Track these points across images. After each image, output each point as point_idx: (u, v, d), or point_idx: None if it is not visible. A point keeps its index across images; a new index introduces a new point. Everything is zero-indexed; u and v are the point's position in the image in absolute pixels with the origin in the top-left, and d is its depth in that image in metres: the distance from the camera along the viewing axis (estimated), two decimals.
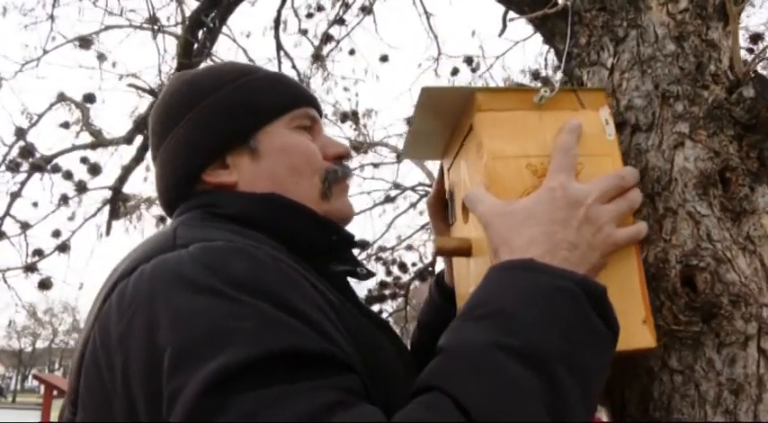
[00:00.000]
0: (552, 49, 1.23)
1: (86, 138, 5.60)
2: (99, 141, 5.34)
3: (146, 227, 6.33)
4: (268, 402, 0.64)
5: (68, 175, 5.65)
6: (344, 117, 6.45)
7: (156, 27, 4.81)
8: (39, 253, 5.74)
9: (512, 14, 1.31)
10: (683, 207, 0.94)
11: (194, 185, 1.04)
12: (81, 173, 5.70)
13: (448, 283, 1.20)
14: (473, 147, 0.96)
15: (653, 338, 0.88)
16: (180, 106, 1.06)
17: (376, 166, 6.76)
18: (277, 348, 0.68)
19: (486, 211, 0.88)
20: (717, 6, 1.05)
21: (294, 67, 5.24)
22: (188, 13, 4.20)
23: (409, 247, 6.92)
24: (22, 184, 5.53)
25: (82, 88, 5.76)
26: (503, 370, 0.68)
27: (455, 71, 6.31)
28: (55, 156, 5.54)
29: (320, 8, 5.66)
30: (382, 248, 6.80)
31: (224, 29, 4.37)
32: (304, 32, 5.52)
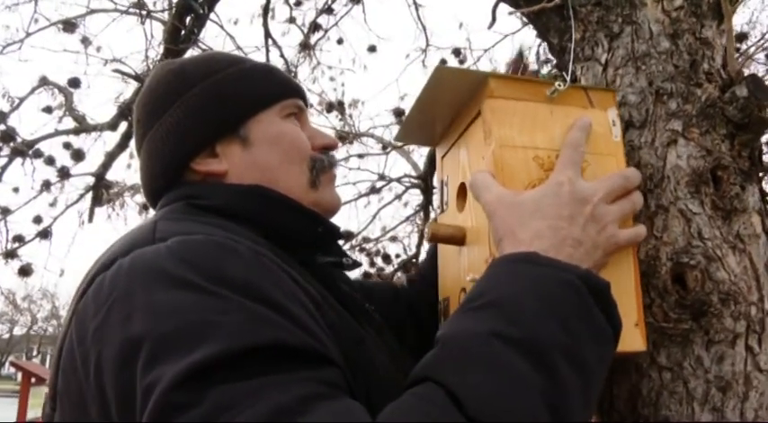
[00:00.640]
0: (546, 44, 1.23)
1: (69, 123, 5.54)
2: (82, 127, 5.28)
3: (129, 214, 6.27)
4: (245, 393, 0.64)
5: (50, 161, 5.59)
6: (330, 107, 6.42)
7: (143, 12, 4.75)
8: (19, 239, 5.68)
9: (506, 8, 1.30)
10: (674, 205, 0.95)
11: (182, 174, 1.03)
12: (64, 159, 5.64)
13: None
14: (479, 133, 0.95)
15: (644, 342, 0.88)
16: (167, 94, 1.04)
17: (361, 156, 6.74)
18: (256, 342, 0.68)
19: (493, 199, 0.87)
20: (711, 5, 1.05)
21: (282, 55, 5.20)
22: None
23: (393, 239, 6.91)
24: (3, 168, 5.46)
25: (66, 72, 5.70)
26: (499, 359, 0.68)
27: (443, 63, 6.30)
28: (37, 141, 5.47)
29: None
30: (366, 239, 6.79)
31: (212, 15, 4.33)
32: (292, 21, 5.48)
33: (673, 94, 1.00)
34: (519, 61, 1.15)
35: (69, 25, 5.41)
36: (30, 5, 5.41)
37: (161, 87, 1.06)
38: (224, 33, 5.02)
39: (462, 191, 1.02)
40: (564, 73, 1.04)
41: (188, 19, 4.03)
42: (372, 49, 6.57)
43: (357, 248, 6.61)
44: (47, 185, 5.60)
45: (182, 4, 3.98)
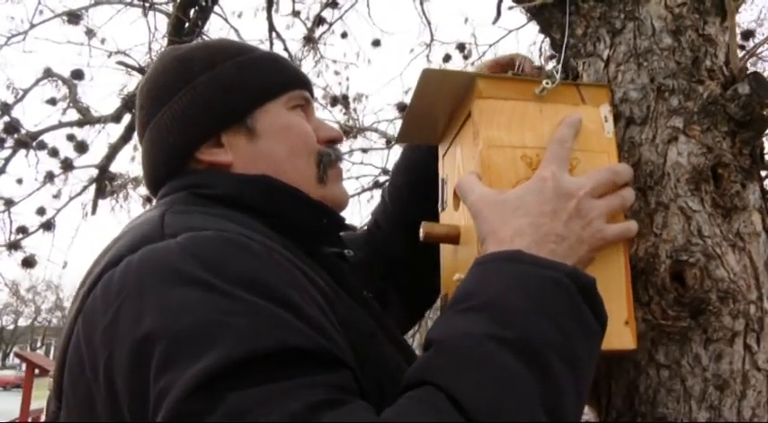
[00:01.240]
0: (548, 39, 1.22)
1: (73, 115, 5.55)
2: (86, 119, 5.29)
3: (132, 206, 6.29)
4: (258, 401, 0.63)
5: (54, 153, 5.60)
6: (334, 101, 6.41)
7: (147, 4, 4.75)
8: (23, 230, 5.70)
9: (509, 3, 1.30)
10: (674, 202, 0.94)
11: (186, 163, 1.01)
12: (67, 150, 5.65)
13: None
14: (470, 133, 0.95)
15: (633, 340, 0.88)
16: (173, 81, 1.02)
17: (365, 151, 6.73)
18: (269, 346, 0.67)
19: (477, 199, 0.87)
20: (715, 1, 1.04)
21: (286, 48, 5.21)
22: None
23: None
24: (7, 160, 5.48)
25: (70, 64, 5.71)
26: (497, 363, 0.68)
27: (447, 58, 6.29)
28: (41, 132, 5.48)
29: None
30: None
31: (216, 8, 4.33)
32: (296, 14, 5.47)
33: (674, 91, 0.99)
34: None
35: (74, 17, 5.41)
36: None
37: (166, 74, 1.04)
38: (228, 26, 5.02)
39: None
40: (554, 70, 1.04)
41: (192, 11, 4.03)
42: (377, 43, 6.58)
43: None
44: (50, 177, 5.62)
45: None
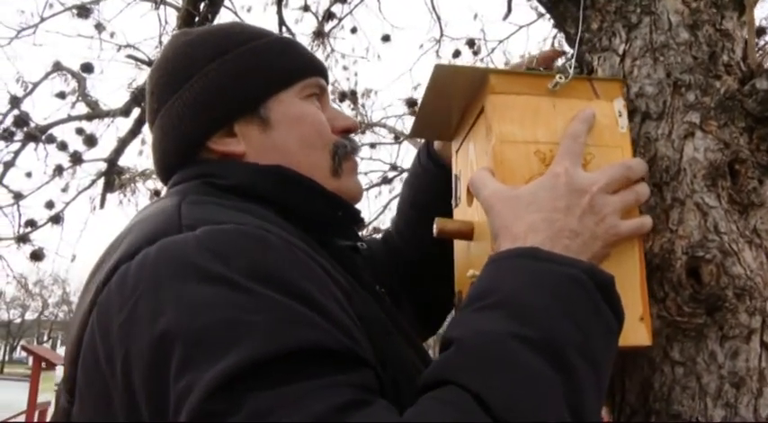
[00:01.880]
0: (562, 34, 1.21)
1: (82, 108, 5.57)
2: (95, 113, 5.30)
3: (140, 200, 6.30)
4: (282, 402, 0.62)
5: (63, 146, 5.62)
6: (343, 96, 6.42)
7: None
8: (31, 224, 5.72)
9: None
10: (690, 198, 0.93)
11: (198, 152, 0.99)
12: (76, 144, 5.67)
13: (438, 151, 1.19)
14: (483, 129, 0.95)
15: (648, 336, 0.88)
16: (184, 67, 1.00)
17: (374, 146, 6.74)
18: (291, 345, 0.66)
19: (490, 195, 0.87)
20: None
21: None
22: None
23: None
24: (16, 153, 5.50)
25: (79, 58, 5.71)
26: (521, 362, 0.67)
27: (457, 53, 6.28)
28: (50, 126, 5.50)
29: None
30: (377, 230, 6.80)
31: (226, 2, 4.33)
32: (306, 8, 5.47)
33: (691, 86, 0.98)
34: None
35: (83, 10, 5.43)
36: None
37: (177, 59, 1.01)
38: (238, 20, 5.01)
39: None
40: (568, 65, 1.03)
41: (202, 5, 4.03)
42: (386, 38, 6.56)
43: (368, 238, 6.61)
44: (59, 171, 5.64)
45: None
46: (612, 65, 1.07)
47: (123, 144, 5.15)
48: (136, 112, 4.95)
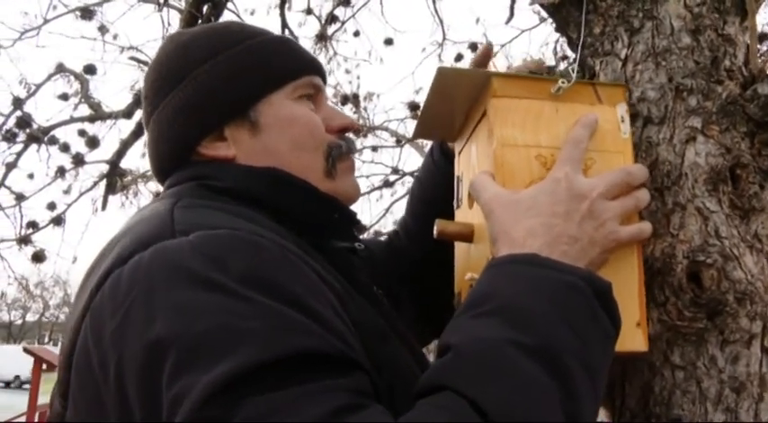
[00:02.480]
0: (564, 39, 1.21)
1: (85, 110, 5.58)
2: (98, 114, 5.31)
3: (142, 202, 6.31)
4: (277, 406, 0.62)
5: (65, 148, 5.63)
6: (345, 99, 6.42)
7: (160, 0, 4.76)
8: (33, 225, 5.73)
9: (524, 4, 1.29)
10: (692, 202, 0.94)
11: (189, 157, 0.99)
12: (78, 146, 5.68)
13: (451, 148, 1.19)
14: (485, 132, 0.95)
15: (645, 343, 0.88)
16: (175, 71, 1.00)
17: (375, 149, 6.74)
18: (286, 351, 0.66)
19: (490, 199, 0.86)
20: (735, 1, 1.03)
21: None
22: None
23: None
24: (18, 154, 5.51)
25: (82, 60, 5.73)
26: (518, 368, 0.67)
27: (459, 57, 6.29)
28: (52, 127, 5.51)
29: None
30: (378, 233, 6.80)
31: (229, 5, 4.34)
32: (309, 12, 5.48)
33: (693, 91, 0.98)
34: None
35: (87, 12, 5.44)
36: None
37: (170, 62, 1.01)
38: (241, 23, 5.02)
39: None
40: (570, 69, 1.03)
41: (205, 8, 4.04)
42: (389, 41, 6.58)
43: None
44: (61, 172, 5.64)
45: None
46: (614, 69, 1.07)
47: (125, 146, 5.16)
48: (138, 113, 4.96)
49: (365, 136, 6.52)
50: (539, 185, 0.86)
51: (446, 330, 0.75)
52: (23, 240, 5.64)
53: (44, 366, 11.27)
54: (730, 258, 0.90)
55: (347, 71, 6.85)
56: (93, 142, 5.55)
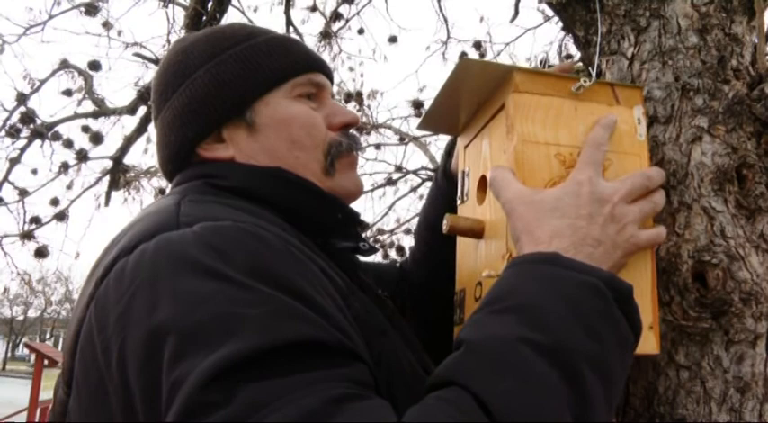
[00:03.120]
0: (571, 37, 1.21)
1: (89, 106, 5.58)
2: (101, 110, 5.31)
3: (145, 198, 6.31)
4: (275, 394, 0.62)
5: (69, 144, 5.64)
6: (349, 97, 6.42)
7: None
8: (36, 221, 5.74)
9: (529, 2, 1.29)
10: (697, 202, 0.93)
11: (190, 158, 1.01)
12: (82, 142, 5.68)
13: (454, 171, 1.18)
14: (502, 126, 0.94)
15: (657, 345, 0.87)
16: (175, 76, 1.02)
17: (379, 147, 6.74)
18: (286, 338, 0.66)
19: (512, 197, 0.86)
20: (742, 0, 1.03)
21: None
22: None
23: (408, 231, 6.91)
24: (22, 150, 5.51)
25: (86, 56, 5.74)
26: (527, 366, 0.67)
27: (463, 56, 6.28)
28: (56, 123, 5.52)
29: None
30: (381, 231, 6.80)
31: (233, 1, 4.34)
32: (314, 9, 5.48)
33: (699, 91, 0.98)
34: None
35: (91, 8, 5.44)
36: None
37: (172, 67, 1.03)
38: (245, 20, 5.02)
39: (483, 183, 1.01)
40: (590, 68, 1.02)
41: (210, 4, 4.03)
42: (393, 39, 6.57)
43: (371, 240, 6.61)
44: (65, 168, 5.65)
45: None
46: (621, 68, 1.07)
47: (129, 142, 5.16)
48: (142, 110, 4.97)
49: (368, 134, 6.52)
50: (562, 187, 0.86)
51: (464, 326, 0.75)
52: (26, 236, 5.65)
53: (45, 362, 11.30)
54: (736, 258, 0.90)
55: (351, 69, 6.83)
56: (96, 138, 5.55)
